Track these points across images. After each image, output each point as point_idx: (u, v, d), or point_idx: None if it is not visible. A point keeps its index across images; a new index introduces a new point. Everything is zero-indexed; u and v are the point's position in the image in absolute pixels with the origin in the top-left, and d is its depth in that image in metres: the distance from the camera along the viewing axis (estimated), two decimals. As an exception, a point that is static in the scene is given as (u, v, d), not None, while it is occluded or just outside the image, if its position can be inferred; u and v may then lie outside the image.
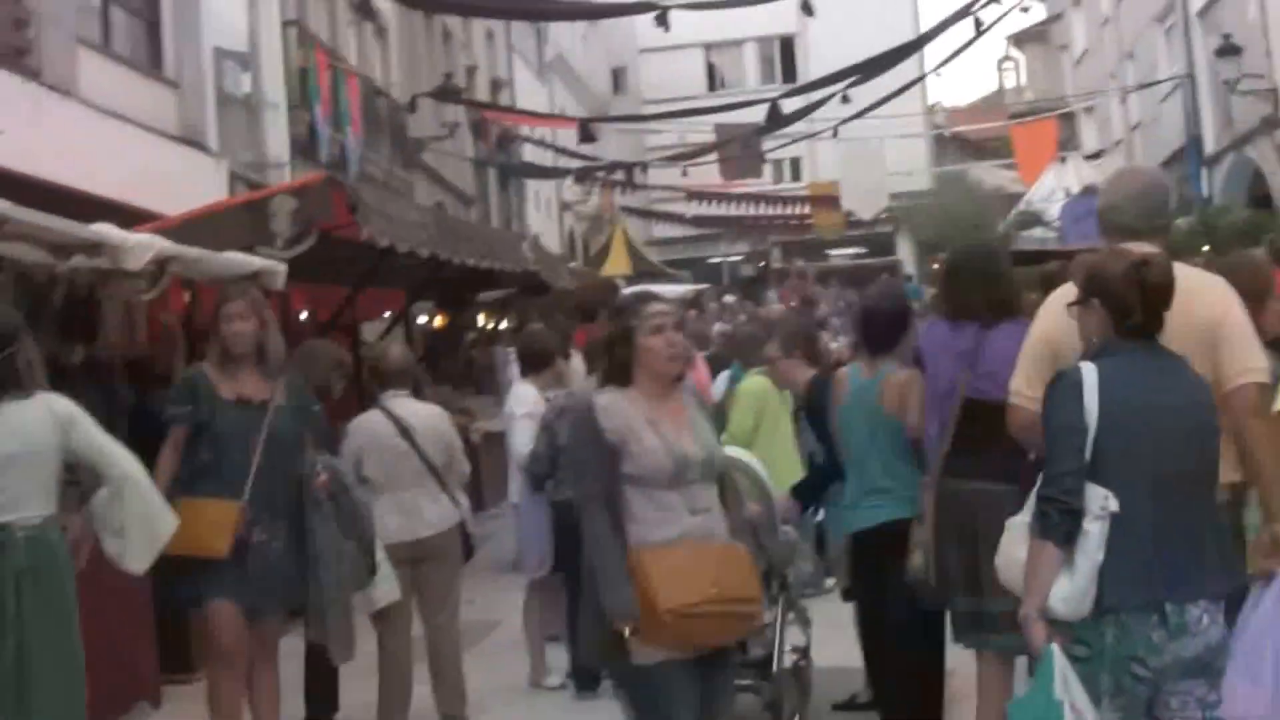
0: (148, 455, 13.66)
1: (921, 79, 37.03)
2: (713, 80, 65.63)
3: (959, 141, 65.33)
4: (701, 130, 39.03)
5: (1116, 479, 5.58)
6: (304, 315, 18.36)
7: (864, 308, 9.31)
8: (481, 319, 25.78)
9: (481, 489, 20.70)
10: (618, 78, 65.34)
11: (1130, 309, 5.73)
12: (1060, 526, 5.58)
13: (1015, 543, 5.88)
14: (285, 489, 8.56)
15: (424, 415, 10.27)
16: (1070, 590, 5.57)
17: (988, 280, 7.84)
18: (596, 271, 31.51)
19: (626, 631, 6.19)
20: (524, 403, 11.53)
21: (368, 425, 10.19)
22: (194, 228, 12.51)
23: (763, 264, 62.61)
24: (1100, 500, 5.57)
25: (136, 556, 7.84)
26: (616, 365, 6.56)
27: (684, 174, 39.11)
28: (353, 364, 11.78)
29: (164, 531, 7.84)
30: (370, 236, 13.02)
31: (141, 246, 9.78)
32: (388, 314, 21.33)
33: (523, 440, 11.12)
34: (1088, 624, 5.61)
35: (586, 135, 32.35)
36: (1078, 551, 5.57)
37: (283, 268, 12.02)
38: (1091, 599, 5.58)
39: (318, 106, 25.23)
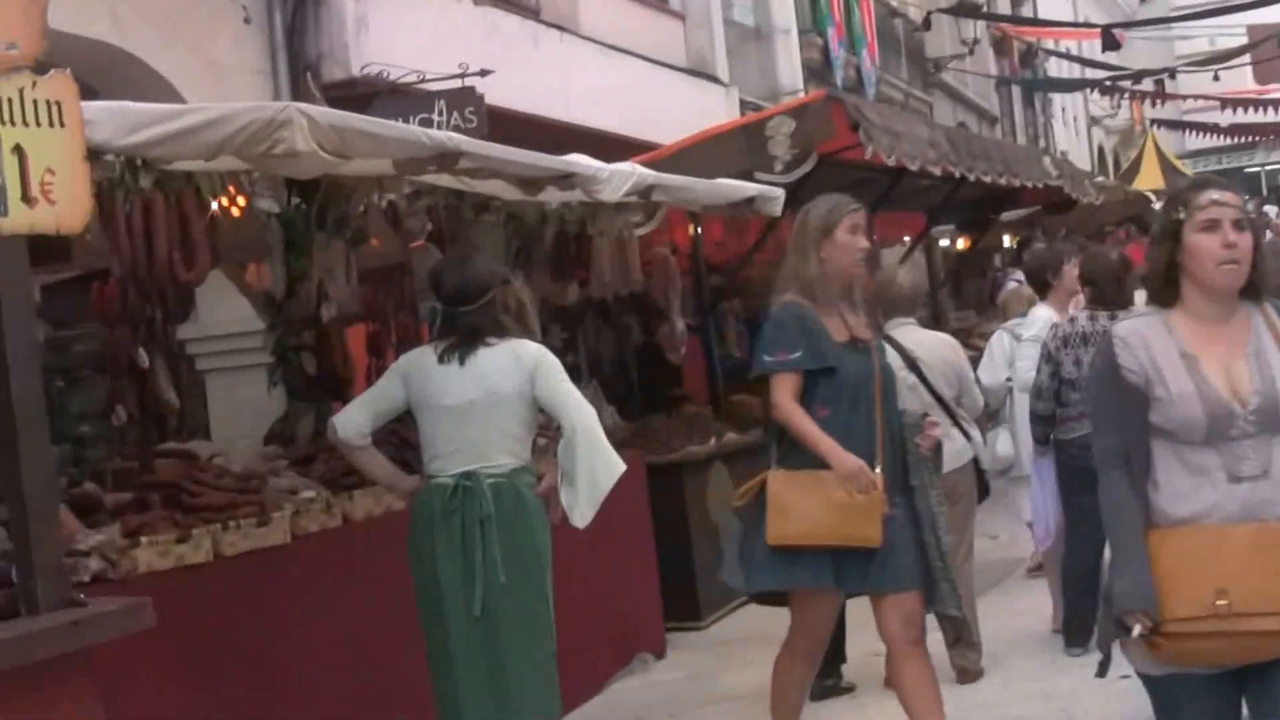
0: (657, 393, 13.23)
1: None
2: (1246, -18, 62.12)
3: None
4: (1233, 33, 36.78)
5: None
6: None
7: None
8: (1006, 239, 24.47)
9: (1007, 417, 19.78)
10: (1143, -15, 62.68)
11: None
12: None
13: None
14: (895, 446, 6.97)
15: (932, 345, 9.24)
16: None
17: None
18: (1124, 186, 29.69)
19: (1135, 630, 4.50)
20: (1032, 325, 10.36)
21: (871, 358, 9.24)
22: (689, 156, 11.74)
23: (1303, 172, 59.54)
24: None
25: (580, 510, 6.96)
26: (1158, 277, 4.75)
27: (1215, 79, 36.74)
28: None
29: (606, 483, 6.92)
30: (875, 155, 12.01)
31: (618, 176, 8.94)
32: (907, 238, 20.24)
33: (1027, 366, 9.89)
34: None
35: (1110, 42, 30.57)
36: None
37: (780, 194, 11.11)
38: None
39: (830, 30, 24.64)
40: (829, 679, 9.21)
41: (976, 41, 33.31)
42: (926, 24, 29.94)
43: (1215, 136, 50.29)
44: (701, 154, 11.85)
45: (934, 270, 20.95)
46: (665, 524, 11.03)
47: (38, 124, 4.71)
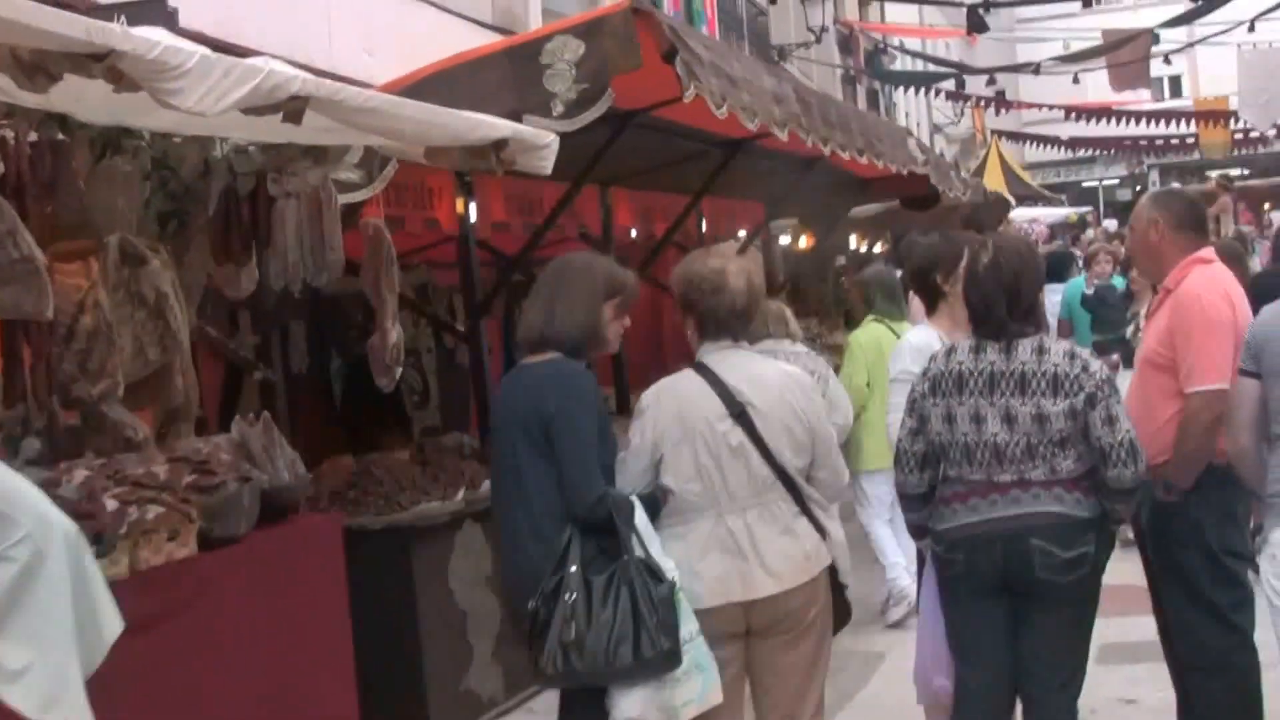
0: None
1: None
2: (1095, -9, 59.35)
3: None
4: (1088, 36, 34.14)
5: None
6: (633, 232, 13.63)
7: None
8: (854, 240, 20.78)
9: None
10: (988, -3, 60.02)
11: None
12: None
13: None
14: None
15: (774, 383, 5.42)
16: None
17: None
18: (984, 184, 26.28)
19: None
20: (901, 357, 7.03)
21: (675, 398, 5.39)
22: (434, 90, 7.72)
23: (1139, 188, 57.53)
24: None
25: None
26: None
27: (1075, 81, 33.51)
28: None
29: None
30: (699, 103, 8.03)
31: (222, 71, 4.31)
32: (742, 232, 16.46)
33: (897, 419, 6.05)
34: None
35: (977, 24, 27.15)
36: None
37: (550, 140, 6.94)
38: None
39: (666, 1, 20.89)
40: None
41: (824, 30, 29.92)
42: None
43: (1055, 149, 47.86)
44: (452, 88, 7.78)
45: (772, 271, 17.17)
46: (382, 612, 7.42)
47: None
